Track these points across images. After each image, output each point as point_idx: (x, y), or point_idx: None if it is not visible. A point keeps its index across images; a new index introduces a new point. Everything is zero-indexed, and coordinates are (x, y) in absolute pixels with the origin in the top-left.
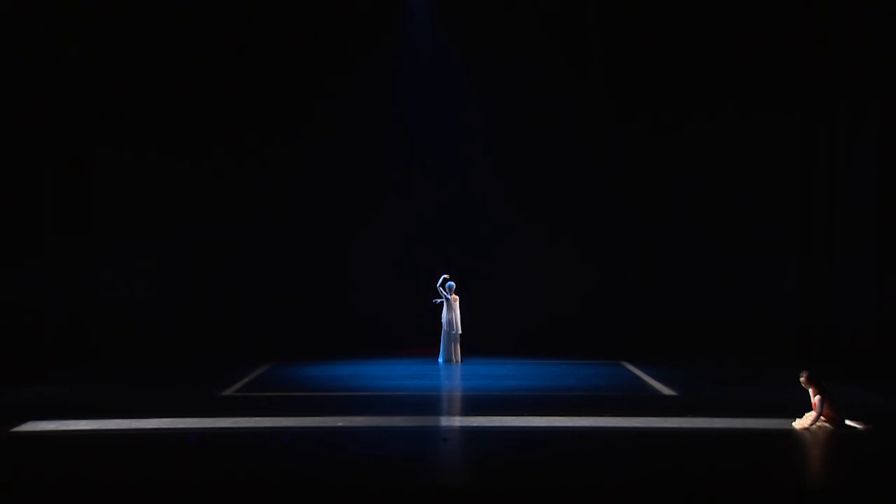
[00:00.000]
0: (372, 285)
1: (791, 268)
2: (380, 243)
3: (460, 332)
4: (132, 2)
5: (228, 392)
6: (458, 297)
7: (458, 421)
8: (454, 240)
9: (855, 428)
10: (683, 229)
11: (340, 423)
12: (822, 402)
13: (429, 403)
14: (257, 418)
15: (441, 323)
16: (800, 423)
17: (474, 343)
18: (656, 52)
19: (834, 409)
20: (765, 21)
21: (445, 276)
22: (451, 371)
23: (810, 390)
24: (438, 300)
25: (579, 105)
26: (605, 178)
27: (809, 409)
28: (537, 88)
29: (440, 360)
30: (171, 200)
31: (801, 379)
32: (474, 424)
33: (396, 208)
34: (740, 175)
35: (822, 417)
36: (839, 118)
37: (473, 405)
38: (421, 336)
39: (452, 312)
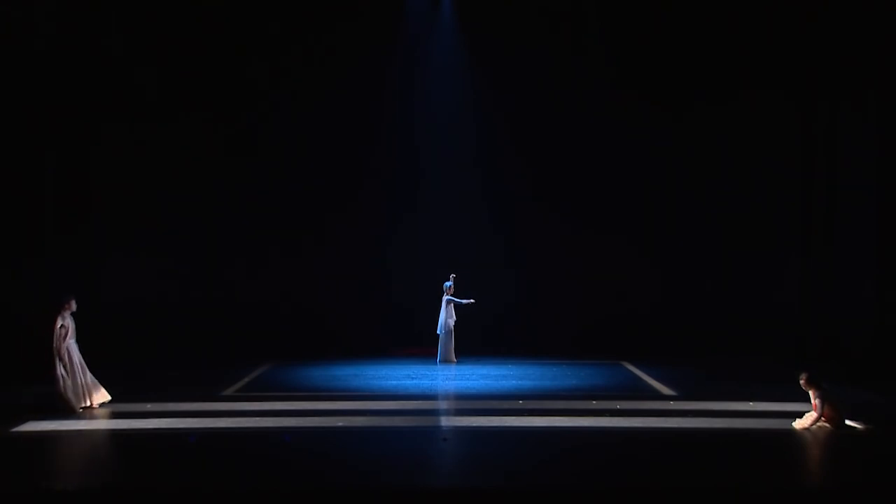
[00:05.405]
0: (372, 285)
1: (791, 268)
2: (380, 244)
3: (440, 332)
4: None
5: (228, 392)
6: (468, 299)
7: (457, 421)
8: (454, 240)
9: (855, 428)
10: (683, 229)
11: (340, 423)
12: (822, 402)
13: (429, 403)
14: (257, 418)
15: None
16: (800, 424)
17: (475, 343)
18: (655, 49)
19: (834, 409)
20: (765, 19)
21: (453, 275)
22: (448, 371)
23: (810, 392)
24: (465, 301)
25: (579, 106)
26: (605, 179)
27: (809, 408)
28: (537, 87)
29: (438, 359)
30: (172, 201)
31: (801, 381)
32: (474, 424)
33: (397, 209)
34: (740, 175)
35: (822, 418)
36: (839, 117)
37: (473, 405)
38: (421, 336)
39: (443, 312)
